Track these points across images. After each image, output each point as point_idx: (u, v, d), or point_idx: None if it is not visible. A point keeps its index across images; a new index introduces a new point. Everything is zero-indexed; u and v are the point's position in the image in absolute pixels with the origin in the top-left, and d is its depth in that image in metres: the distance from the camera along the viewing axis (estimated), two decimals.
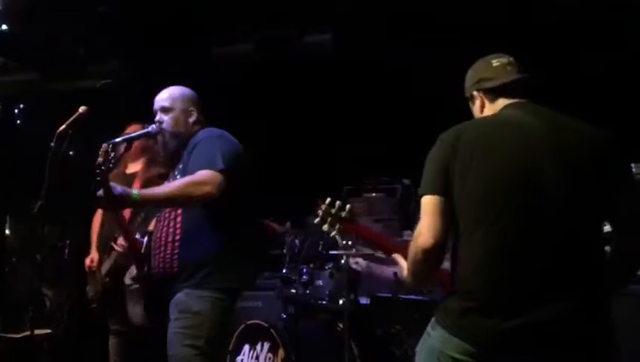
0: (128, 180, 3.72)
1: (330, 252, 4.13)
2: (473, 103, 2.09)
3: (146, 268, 2.83)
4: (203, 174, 2.57)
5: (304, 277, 4.28)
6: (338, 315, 4.00)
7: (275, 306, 4.46)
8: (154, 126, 2.92)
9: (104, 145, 2.53)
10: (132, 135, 3.12)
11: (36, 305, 4.63)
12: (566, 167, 1.80)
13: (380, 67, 5.50)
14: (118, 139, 3.20)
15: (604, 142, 1.88)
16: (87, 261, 3.84)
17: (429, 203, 1.82)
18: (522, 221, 1.75)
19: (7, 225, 6.11)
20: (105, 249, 3.72)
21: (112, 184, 2.49)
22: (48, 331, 4.61)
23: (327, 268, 4.32)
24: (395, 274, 3.84)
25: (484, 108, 2.03)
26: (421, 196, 1.86)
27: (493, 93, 2.01)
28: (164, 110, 2.90)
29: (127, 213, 3.50)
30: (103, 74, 6.07)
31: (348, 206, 2.29)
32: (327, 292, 4.22)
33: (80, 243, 3.99)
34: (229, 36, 6.02)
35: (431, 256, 1.82)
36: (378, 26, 5.38)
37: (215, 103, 3.15)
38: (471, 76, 2.10)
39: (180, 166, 2.82)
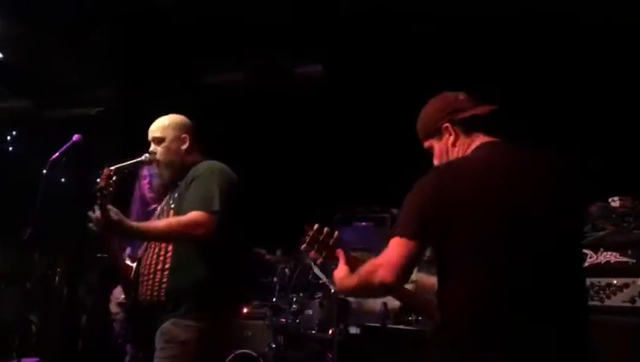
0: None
1: (320, 281, 4.14)
2: (441, 138, 2.01)
3: (133, 295, 2.81)
4: (198, 217, 2.59)
5: (294, 306, 4.29)
6: (328, 345, 4.00)
7: (265, 335, 4.45)
8: (147, 155, 2.92)
9: (106, 169, 2.55)
10: (124, 164, 3.13)
11: (23, 333, 4.59)
12: (548, 205, 1.83)
13: (370, 96, 5.57)
14: (111, 168, 3.23)
15: (576, 174, 1.92)
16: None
17: (401, 244, 1.81)
18: (510, 257, 1.77)
19: None
20: None
21: (111, 208, 2.51)
22: (35, 359, 4.56)
23: (316, 297, 4.33)
24: (385, 304, 3.87)
25: (458, 141, 1.98)
26: (393, 235, 1.83)
27: (469, 126, 1.97)
28: (157, 141, 2.91)
29: None
30: (96, 101, 6.13)
31: (336, 233, 2.27)
32: (316, 322, 4.23)
33: (70, 271, 3.96)
34: (220, 65, 6.09)
35: (386, 291, 1.85)
36: (368, 55, 5.48)
37: (206, 131, 3.17)
38: (439, 109, 2.02)
39: (176, 195, 2.81)
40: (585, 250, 3.00)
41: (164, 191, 3.50)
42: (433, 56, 5.15)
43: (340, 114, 5.71)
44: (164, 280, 2.67)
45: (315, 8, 5.09)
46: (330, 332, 3.95)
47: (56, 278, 4.14)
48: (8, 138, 6.27)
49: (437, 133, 2.02)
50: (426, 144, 2.07)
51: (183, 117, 2.99)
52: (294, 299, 4.31)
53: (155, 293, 2.68)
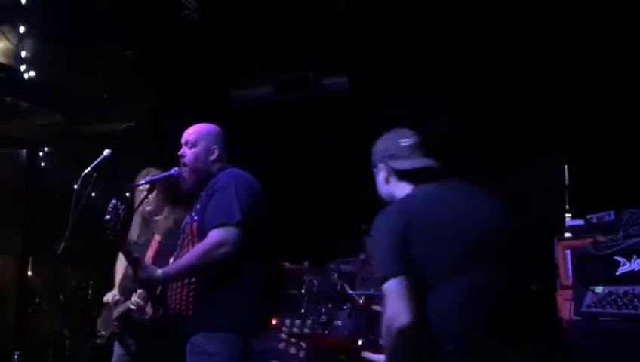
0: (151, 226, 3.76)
1: (349, 291, 4.13)
2: (378, 173, 2.26)
3: (161, 309, 2.84)
4: (218, 236, 2.61)
5: (322, 317, 4.28)
6: (357, 356, 3.98)
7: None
8: (176, 169, 2.98)
9: (112, 201, 2.63)
10: (154, 178, 3.19)
11: (57, 346, 4.66)
12: (498, 235, 1.97)
13: (395, 109, 5.58)
14: (140, 182, 3.30)
15: (507, 212, 2.05)
16: (110, 296, 3.82)
17: (396, 285, 1.85)
18: (473, 276, 1.89)
19: (30, 266, 6.19)
20: (123, 291, 3.75)
21: (140, 264, 2.65)
22: None
23: (345, 307, 4.32)
24: None
25: (390, 182, 2.20)
26: (385, 279, 1.88)
27: (400, 174, 2.17)
28: (188, 144, 2.97)
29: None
30: (126, 117, 6.24)
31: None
32: (345, 333, 4.21)
33: (103, 284, 4.03)
34: (248, 79, 6.18)
35: (410, 335, 1.83)
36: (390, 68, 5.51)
37: (234, 145, 3.21)
38: (381, 149, 2.28)
39: (198, 206, 2.85)
40: (618, 258, 2.96)
41: (162, 206, 3.60)
42: (455, 68, 5.16)
43: (366, 126, 5.71)
44: (191, 293, 2.70)
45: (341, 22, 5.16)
46: (360, 342, 3.93)
47: (89, 291, 4.20)
48: (40, 154, 6.40)
49: (376, 167, 2.28)
50: (374, 170, 2.32)
51: (217, 127, 3.06)
52: (323, 310, 4.31)
53: (183, 306, 2.72)
